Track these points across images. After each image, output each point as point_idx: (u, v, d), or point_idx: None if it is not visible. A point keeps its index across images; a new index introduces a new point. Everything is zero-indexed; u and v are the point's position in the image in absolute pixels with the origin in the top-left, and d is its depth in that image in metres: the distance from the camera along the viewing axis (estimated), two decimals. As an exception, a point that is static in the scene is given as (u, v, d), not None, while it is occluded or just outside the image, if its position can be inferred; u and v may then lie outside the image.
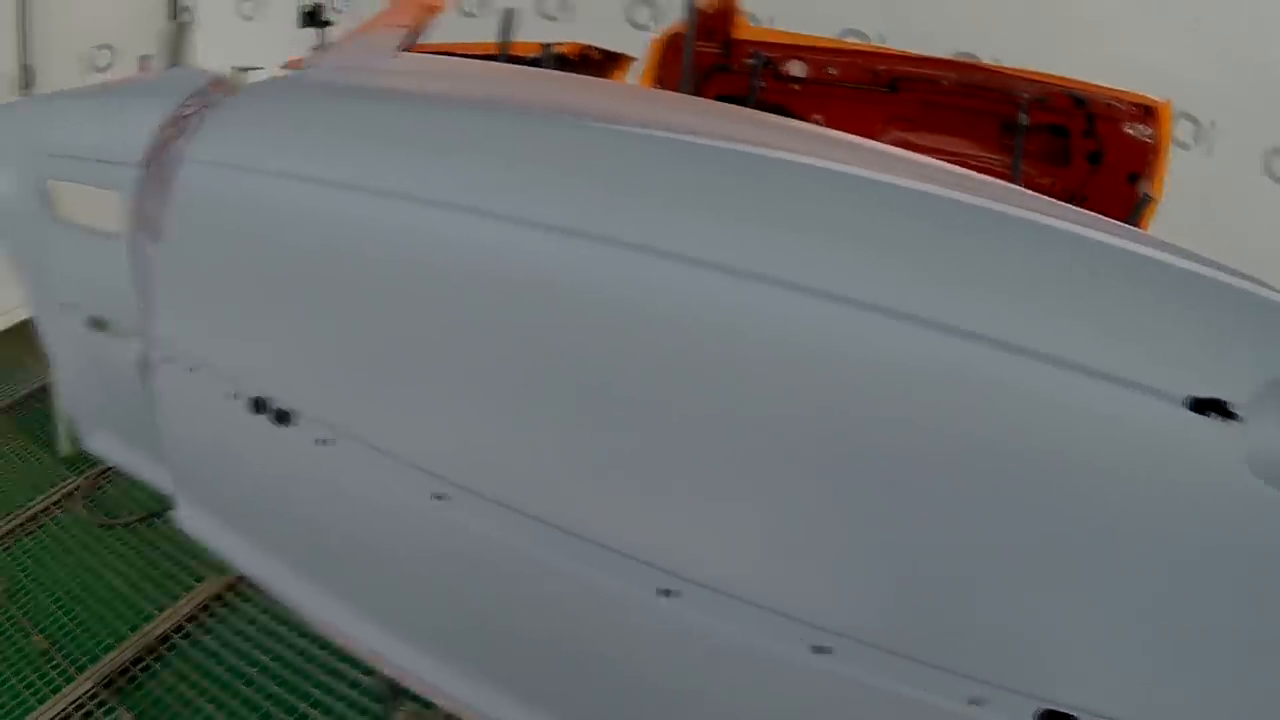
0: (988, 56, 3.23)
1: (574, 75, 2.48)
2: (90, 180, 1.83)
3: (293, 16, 5.21)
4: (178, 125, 1.69)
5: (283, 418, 1.49)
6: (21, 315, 4.97)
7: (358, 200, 1.45)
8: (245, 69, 1.80)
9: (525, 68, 2.06)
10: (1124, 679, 0.96)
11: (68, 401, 2.08)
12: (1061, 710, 0.96)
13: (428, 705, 2.31)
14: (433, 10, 1.84)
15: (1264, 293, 1.00)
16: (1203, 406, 0.84)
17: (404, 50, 1.77)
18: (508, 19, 2.90)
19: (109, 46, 5.41)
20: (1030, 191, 1.27)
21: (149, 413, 1.79)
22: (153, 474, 1.96)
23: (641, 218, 1.22)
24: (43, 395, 4.35)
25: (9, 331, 5.05)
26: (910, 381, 1.02)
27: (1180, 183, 3.41)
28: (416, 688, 1.56)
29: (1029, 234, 1.08)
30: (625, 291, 1.20)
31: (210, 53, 5.62)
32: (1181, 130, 3.75)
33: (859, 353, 1.04)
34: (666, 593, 1.13)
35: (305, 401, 1.48)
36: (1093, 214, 1.16)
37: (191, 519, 1.82)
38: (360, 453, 1.41)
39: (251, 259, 1.59)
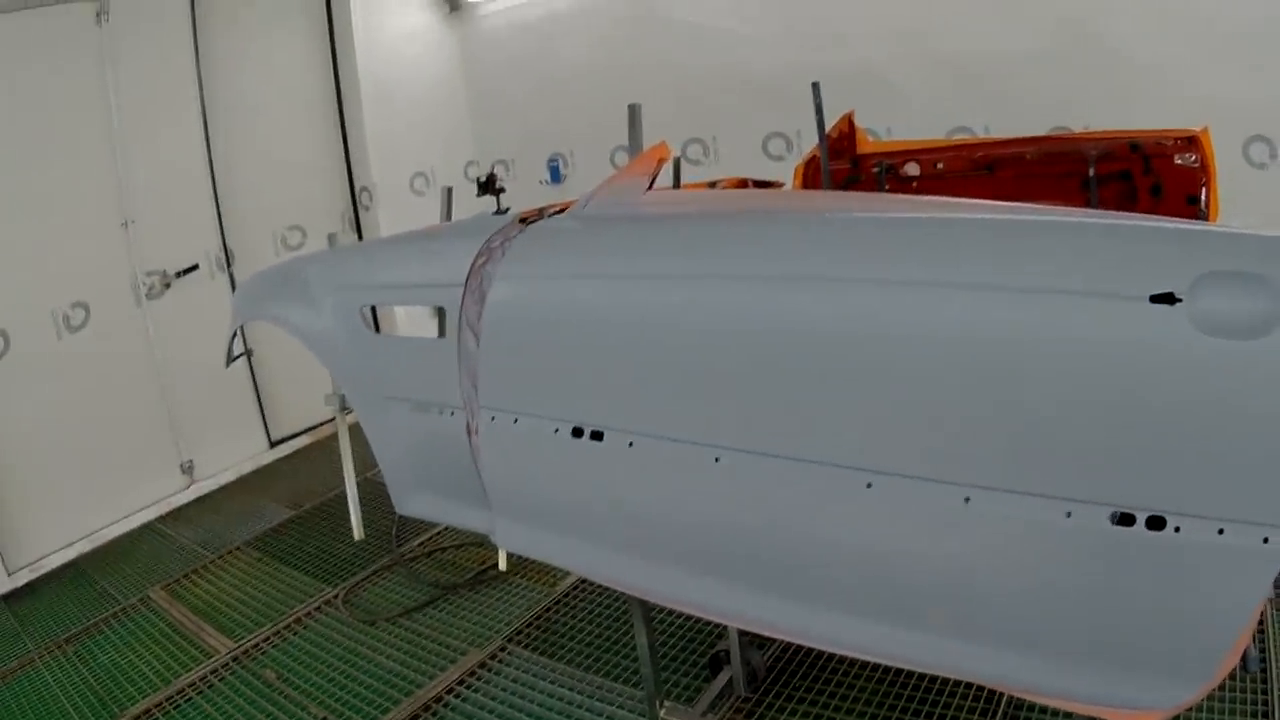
0: (1080, 125, 3.66)
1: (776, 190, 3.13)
2: (414, 302, 2.48)
3: (455, 192, 6.01)
4: (489, 254, 2.32)
5: (597, 435, 2.07)
6: (249, 469, 5.87)
7: (639, 284, 2.06)
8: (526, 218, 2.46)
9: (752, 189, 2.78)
10: (1153, 484, 1.45)
11: (388, 476, 2.64)
12: (1126, 510, 1.46)
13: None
14: (664, 159, 2.49)
15: (1196, 227, 1.58)
16: (1160, 299, 1.40)
17: (649, 189, 2.41)
18: (677, 166, 3.62)
19: (299, 227, 6.23)
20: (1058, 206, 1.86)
21: (469, 466, 2.36)
22: (464, 516, 2.51)
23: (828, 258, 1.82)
24: (280, 530, 4.98)
25: (240, 481, 5.90)
26: (1014, 325, 1.56)
27: (1259, 197, 3.75)
28: (717, 617, 2.09)
29: (1055, 227, 1.67)
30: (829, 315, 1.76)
31: (390, 226, 6.42)
32: (1258, 151, 4.10)
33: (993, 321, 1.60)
34: (869, 485, 1.70)
35: (612, 420, 2.05)
36: (1095, 210, 1.77)
37: (515, 535, 2.36)
38: (659, 444, 1.97)
39: (556, 335, 2.18)
